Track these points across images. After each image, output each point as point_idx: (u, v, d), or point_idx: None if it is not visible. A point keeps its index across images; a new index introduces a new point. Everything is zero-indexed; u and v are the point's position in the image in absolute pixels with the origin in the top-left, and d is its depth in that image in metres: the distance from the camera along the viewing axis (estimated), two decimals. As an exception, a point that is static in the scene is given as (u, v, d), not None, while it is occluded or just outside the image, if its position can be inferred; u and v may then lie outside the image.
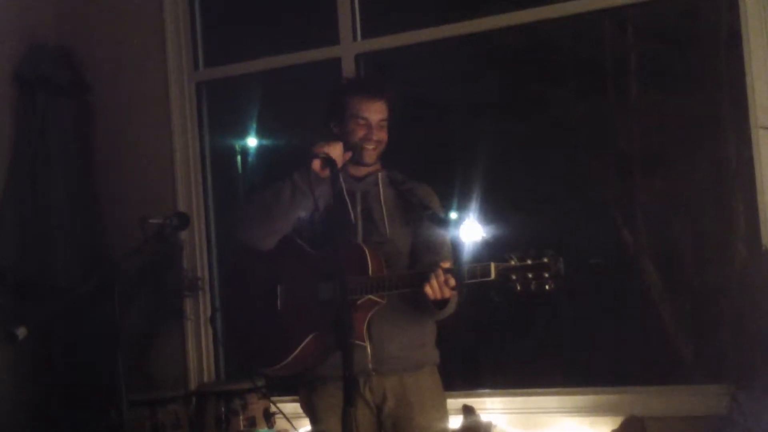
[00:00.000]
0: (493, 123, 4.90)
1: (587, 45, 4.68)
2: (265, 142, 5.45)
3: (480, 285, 2.86)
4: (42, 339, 4.78)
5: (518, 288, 2.79)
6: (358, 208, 3.18)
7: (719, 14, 4.24)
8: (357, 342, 3.00)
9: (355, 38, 4.86)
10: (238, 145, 5.45)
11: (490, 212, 4.51)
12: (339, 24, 4.86)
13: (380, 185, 3.21)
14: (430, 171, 4.72)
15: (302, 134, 5.01)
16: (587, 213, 4.57)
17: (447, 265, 2.89)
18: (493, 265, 2.82)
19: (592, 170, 4.62)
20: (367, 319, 3.05)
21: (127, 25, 5.27)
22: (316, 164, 3.01)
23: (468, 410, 4.27)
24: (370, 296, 2.99)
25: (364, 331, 3.05)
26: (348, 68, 4.80)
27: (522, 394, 4.39)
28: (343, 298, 2.77)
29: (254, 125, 5.40)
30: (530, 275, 2.77)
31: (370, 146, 3.15)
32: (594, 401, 4.23)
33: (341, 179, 3.01)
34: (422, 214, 3.14)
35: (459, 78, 4.98)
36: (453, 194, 4.53)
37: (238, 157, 5.45)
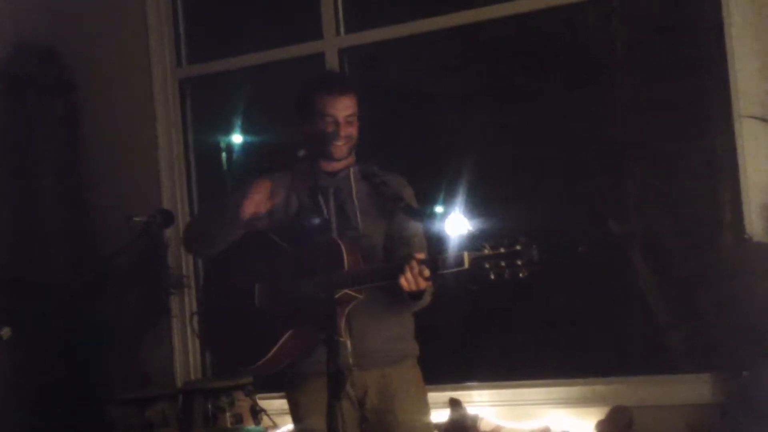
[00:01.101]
0: (480, 114, 4.90)
1: (573, 35, 4.68)
2: (250, 138, 5.44)
3: (456, 275, 2.86)
4: (31, 337, 4.77)
5: (492, 276, 2.79)
6: (332, 204, 3.16)
7: (703, 3, 4.24)
8: (338, 338, 2.96)
9: (338, 33, 4.86)
10: (223, 142, 5.45)
11: (478, 203, 4.51)
12: (322, 18, 4.85)
13: (352, 180, 3.20)
14: (416, 163, 4.73)
15: (287, 131, 5.01)
16: (574, 202, 4.57)
17: (421, 256, 2.89)
18: (466, 255, 2.82)
19: (578, 160, 4.62)
20: (345, 314, 3.05)
21: (111, 24, 5.27)
22: (247, 209, 3.02)
23: (455, 403, 4.27)
24: (347, 291, 2.98)
25: (343, 326, 3.05)
26: (332, 63, 4.80)
27: (509, 386, 4.39)
28: (330, 294, 2.79)
29: (239, 122, 5.39)
30: (503, 263, 2.77)
31: (338, 143, 3.14)
32: (581, 392, 4.23)
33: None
34: (396, 207, 3.13)
35: (445, 70, 4.98)
36: (440, 186, 4.53)
37: (223, 154, 5.45)
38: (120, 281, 4.69)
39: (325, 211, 3.11)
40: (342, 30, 4.86)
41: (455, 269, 2.84)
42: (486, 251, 2.80)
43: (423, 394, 3.25)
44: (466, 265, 2.82)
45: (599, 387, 4.22)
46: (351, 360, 3.07)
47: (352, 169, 3.22)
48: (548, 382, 4.34)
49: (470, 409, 4.29)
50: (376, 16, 4.80)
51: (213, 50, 5.21)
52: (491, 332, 4.71)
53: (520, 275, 2.76)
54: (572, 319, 4.55)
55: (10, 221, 5.01)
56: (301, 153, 3.10)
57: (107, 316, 3.31)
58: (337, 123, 3.12)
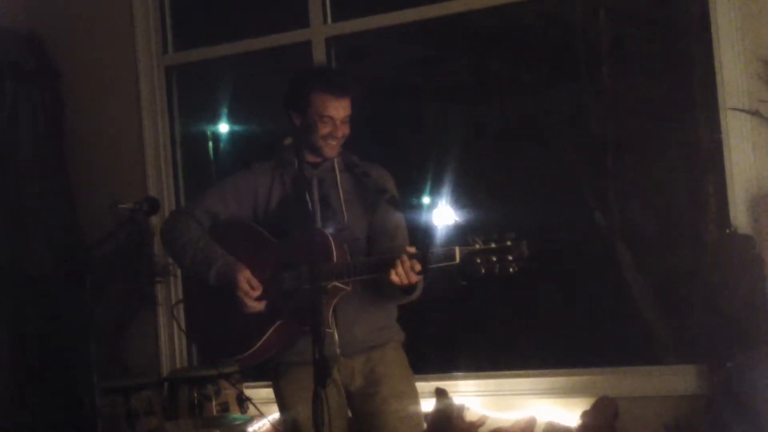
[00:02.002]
0: (465, 106, 4.90)
1: (559, 28, 4.68)
2: (236, 127, 5.43)
3: (445, 269, 2.86)
4: (13, 327, 4.75)
5: (483, 271, 2.80)
6: (315, 195, 3.16)
7: (689, -3, 4.26)
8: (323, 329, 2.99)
9: (325, 21, 4.84)
10: (209, 130, 5.43)
11: (462, 196, 4.52)
12: (309, 6, 4.84)
13: (337, 171, 3.19)
14: (401, 155, 4.73)
15: (274, 119, 5.00)
16: (559, 195, 4.58)
17: (412, 250, 2.90)
18: (457, 249, 2.83)
19: (564, 153, 4.63)
20: (333, 305, 3.05)
21: (95, 9, 5.23)
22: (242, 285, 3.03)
23: (441, 393, 4.28)
24: (335, 283, 2.98)
25: (330, 317, 3.05)
26: (318, 51, 4.79)
27: (495, 377, 4.41)
28: (315, 285, 2.77)
29: (225, 110, 5.37)
30: (494, 258, 2.78)
31: (333, 142, 3.14)
32: (567, 382, 4.26)
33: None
34: (380, 199, 3.13)
35: (430, 62, 4.97)
36: (425, 178, 4.53)
37: (210, 143, 5.43)
38: (105, 269, 4.67)
39: (309, 202, 3.10)
40: (329, 18, 4.85)
41: (446, 263, 2.85)
42: (477, 246, 2.81)
43: (408, 375, 3.26)
44: (457, 259, 2.83)
45: (585, 378, 4.24)
46: (338, 350, 3.09)
47: (336, 160, 3.21)
48: (534, 372, 4.36)
49: (456, 400, 4.30)
50: (363, 5, 4.78)
51: (200, 37, 5.18)
52: (477, 323, 4.72)
53: (511, 270, 2.78)
54: (558, 310, 4.57)
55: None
56: (287, 141, 3.09)
57: (91, 304, 3.28)
58: (334, 124, 3.12)
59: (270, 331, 3.04)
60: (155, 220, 4.84)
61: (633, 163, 4.50)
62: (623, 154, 4.52)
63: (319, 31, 4.84)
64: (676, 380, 4.07)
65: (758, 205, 3.94)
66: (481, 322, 4.71)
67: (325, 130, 3.11)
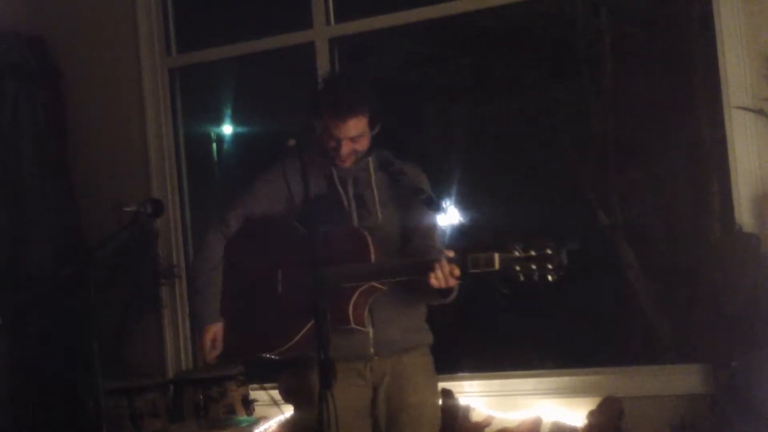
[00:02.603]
0: (467, 106, 4.90)
1: (561, 27, 4.68)
2: (240, 128, 5.43)
3: (482, 275, 2.86)
4: (17, 329, 4.74)
5: (521, 279, 2.80)
6: (351, 194, 3.18)
7: (691, -6, 4.26)
8: (358, 327, 3.03)
9: (328, 22, 4.84)
10: (213, 131, 5.43)
11: (464, 196, 4.51)
12: (312, 7, 4.83)
13: (371, 170, 3.20)
14: (402, 154, 4.72)
15: (278, 120, 5.01)
16: (562, 194, 4.57)
17: (451, 254, 2.89)
18: (496, 256, 2.82)
19: (566, 152, 4.62)
20: (368, 304, 3.07)
21: (98, 11, 5.22)
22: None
23: (446, 394, 4.28)
24: (373, 283, 3.00)
25: (366, 316, 3.07)
26: (321, 52, 4.79)
27: (501, 377, 4.41)
28: (318, 285, 2.78)
29: (229, 111, 5.37)
30: (533, 266, 2.78)
31: (337, 160, 3.16)
32: (572, 382, 4.25)
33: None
34: (415, 199, 3.13)
35: (431, 61, 4.96)
36: (427, 178, 4.52)
37: (214, 144, 5.43)
38: (109, 271, 4.67)
39: (344, 200, 3.13)
40: (332, 19, 4.85)
41: (485, 270, 2.84)
42: (516, 253, 2.80)
43: (433, 379, 3.32)
44: (496, 266, 2.82)
45: (590, 378, 4.24)
46: (372, 350, 3.12)
47: (371, 159, 3.22)
48: (539, 372, 4.36)
49: (462, 400, 4.30)
50: (367, 6, 4.77)
51: (203, 39, 5.18)
52: (482, 323, 4.72)
53: (550, 279, 2.77)
54: (563, 310, 4.56)
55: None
56: (291, 142, 3.09)
57: (95, 306, 3.28)
58: (339, 143, 3.12)
59: (307, 327, 3.02)
60: (159, 222, 4.85)
61: (636, 161, 4.49)
62: (626, 153, 4.52)
63: (322, 32, 4.83)
64: (681, 380, 4.07)
65: (763, 204, 3.93)
66: (487, 322, 4.71)
67: (331, 144, 3.13)
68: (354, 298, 3.01)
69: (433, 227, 3.20)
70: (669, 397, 4.05)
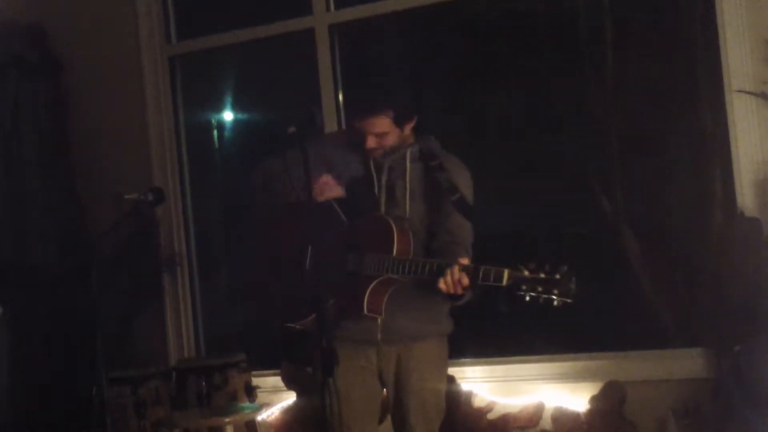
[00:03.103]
0: (469, 94, 4.88)
1: (563, 15, 4.66)
2: (241, 115, 5.42)
3: (488, 288, 2.88)
4: (20, 319, 4.75)
5: (526, 299, 2.81)
6: (384, 181, 3.19)
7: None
8: (373, 315, 3.08)
9: (328, 8, 4.83)
10: (213, 119, 5.42)
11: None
12: (312, -7, 4.83)
13: (408, 162, 3.21)
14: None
15: (279, 107, 5.00)
16: (565, 182, 4.56)
17: (465, 262, 2.92)
18: (506, 272, 2.83)
19: (569, 139, 4.61)
20: (387, 294, 3.10)
21: (97, 1, 5.21)
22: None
23: (449, 380, 4.26)
24: (390, 275, 3.03)
25: (383, 305, 3.10)
26: (322, 39, 4.78)
27: (503, 362, 4.41)
28: (318, 273, 2.82)
29: (230, 99, 5.37)
30: (540, 289, 2.79)
31: (366, 152, 3.19)
32: (574, 367, 4.26)
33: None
34: (449, 199, 3.12)
35: (432, 49, 4.95)
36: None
37: (214, 131, 5.42)
38: (111, 260, 4.67)
39: (376, 187, 3.17)
40: (332, 5, 4.84)
41: (493, 284, 2.86)
42: (526, 273, 2.81)
43: (443, 368, 3.36)
44: (504, 282, 2.83)
45: (592, 362, 4.25)
46: (379, 336, 3.16)
47: (409, 150, 3.22)
48: (542, 357, 4.36)
49: (464, 386, 4.31)
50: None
51: (203, 26, 5.16)
52: (484, 308, 4.70)
53: (555, 304, 2.78)
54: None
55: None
56: (291, 130, 3.09)
57: (97, 295, 3.29)
58: (364, 136, 3.15)
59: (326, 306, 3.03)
60: (161, 211, 4.86)
61: (638, 147, 4.48)
62: (628, 140, 4.50)
63: (322, 18, 4.82)
64: (683, 364, 4.07)
65: (765, 188, 3.93)
66: (488, 308, 4.69)
67: (360, 135, 3.17)
68: (371, 287, 3.05)
69: (460, 227, 3.20)
70: (672, 382, 4.06)
